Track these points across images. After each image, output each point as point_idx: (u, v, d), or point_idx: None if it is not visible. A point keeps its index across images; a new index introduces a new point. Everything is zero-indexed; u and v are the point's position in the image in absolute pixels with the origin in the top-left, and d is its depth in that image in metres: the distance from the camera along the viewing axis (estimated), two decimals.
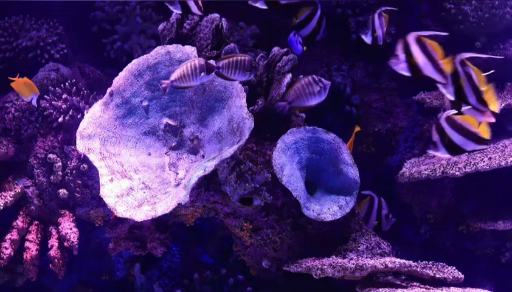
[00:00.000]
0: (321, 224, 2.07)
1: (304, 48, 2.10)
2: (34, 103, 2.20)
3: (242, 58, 1.80)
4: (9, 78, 2.19)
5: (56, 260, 2.24)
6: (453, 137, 1.64)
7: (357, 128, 2.33)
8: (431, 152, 1.73)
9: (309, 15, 1.95)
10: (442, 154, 1.69)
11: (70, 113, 2.33)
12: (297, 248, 2.09)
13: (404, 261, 1.88)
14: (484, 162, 2.14)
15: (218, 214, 2.13)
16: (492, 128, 1.85)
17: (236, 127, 1.97)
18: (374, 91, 2.75)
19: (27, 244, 2.28)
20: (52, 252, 2.24)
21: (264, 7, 1.92)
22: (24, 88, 2.19)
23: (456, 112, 1.66)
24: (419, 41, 1.63)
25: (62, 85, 2.40)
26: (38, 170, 2.34)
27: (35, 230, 2.32)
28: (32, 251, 2.26)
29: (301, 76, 2.00)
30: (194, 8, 1.90)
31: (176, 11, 1.94)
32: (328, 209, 2.03)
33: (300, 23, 1.94)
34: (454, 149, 1.66)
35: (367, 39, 1.95)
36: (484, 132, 1.64)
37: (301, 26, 1.98)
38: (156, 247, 2.27)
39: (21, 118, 2.36)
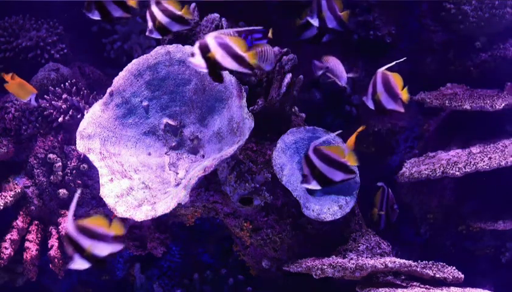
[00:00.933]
0: (321, 224, 2.07)
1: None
2: (33, 102, 2.18)
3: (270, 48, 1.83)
4: (3, 74, 2.15)
5: (56, 260, 2.24)
6: (323, 168, 1.65)
7: (362, 127, 2.32)
8: (304, 186, 1.76)
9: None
10: (314, 187, 1.70)
11: (70, 113, 2.33)
12: (297, 248, 2.09)
13: (404, 261, 1.88)
14: (484, 162, 2.14)
15: (218, 214, 2.13)
16: (492, 128, 1.86)
17: (236, 127, 1.97)
18: None
19: (27, 244, 2.28)
20: (52, 252, 2.24)
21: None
22: (20, 90, 2.16)
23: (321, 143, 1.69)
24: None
25: (62, 85, 2.39)
26: (38, 170, 2.34)
27: (35, 230, 2.32)
28: (32, 251, 2.26)
29: None
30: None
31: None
32: (328, 209, 2.03)
33: (305, 24, 1.92)
34: (325, 181, 1.67)
35: (314, 21, 1.93)
36: (352, 161, 1.65)
37: (305, 27, 1.96)
38: (156, 247, 2.27)
39: (21, 118, 2.36)
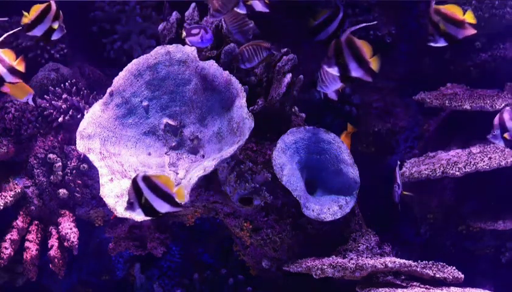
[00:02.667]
0: (321, 224, 2.07)
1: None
2: (30, 102, 2.17)
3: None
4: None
5: (56, 260, 2.24)
6: (150, 198, 1.61)
7: (351, 129, 2.31)
8: (127, 212, 1.72)
9: (329, 17, 1.90)
10: (138, 216, 1.66)
11: (70, 113, 2.33)
12: (297, 248, 2.09)
13: (404, 261, 1.88)
14: (484, 162, 2.14)
15: (218, 214, 2.13)
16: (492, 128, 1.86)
17: (236, 127, 1.97)
18: (374, 91, 2.75)
19: (27, 244, 2.28)
20: (52, 252, 2.24)
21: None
22: (17, 90, 2.15)
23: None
24: None
25: (62, 85, 2.40)
26: (38, 170, 2.34)
27: (35, 230, 2.32)
28: (32, 251, 2.26)
29: None
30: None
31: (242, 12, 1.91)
32: (328, 209, 2.03)
33: (318, 25, 1.89)
34: (150, 211, 1.63)
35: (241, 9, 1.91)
36: (180, 196, 1.63)
37: (319, 29, 1.93)
38: (156, 247, 2.27)
39: (21, 118, 2.36)
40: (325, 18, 1.87)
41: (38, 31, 1.79)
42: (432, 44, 1.73)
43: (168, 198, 1.61)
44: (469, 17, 1.72)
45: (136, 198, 1.61)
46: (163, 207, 1.62)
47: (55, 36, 1.81)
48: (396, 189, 2.06)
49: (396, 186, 2.06)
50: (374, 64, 1.65)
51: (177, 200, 1.62)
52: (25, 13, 1.76)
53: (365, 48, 1.66)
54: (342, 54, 1.67)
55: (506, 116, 1.80)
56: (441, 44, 1.73)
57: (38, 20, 1.78)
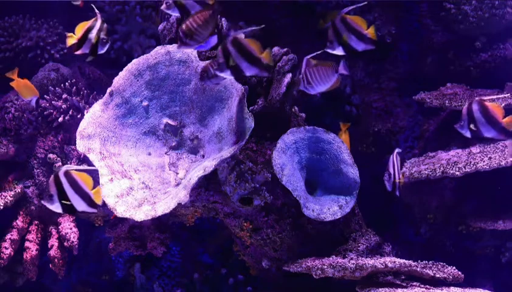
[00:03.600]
0: (321, 224, 2.07)
1: None
2: (33, 103, 2.18)
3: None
4: (6, 74, 2.15)
5: (56, 260, 2.24)
6: (70, 193, 1.63)
7: (344, 126, 2.30)
8: (46, 203, 1.69)
9: None
10: (56, 209, 1.66)
11: (70, 113, 2.33)
12: (297, 248, 2.09)
13: (404, 261, 1.88)
14: (484, 162, 2.14)
15: (218, 214, 2.13)
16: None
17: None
18: (374, 91, 2.75)
19: (27, 244, 2.28)
20: (52, 252, 2.24)
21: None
22: (24, 89, 2.17)
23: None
24: None
25: (62, 85, 2.40)
26: (38, 170, 2.34)
27: (35, 230, 2.32)
28: (32, 251, 2.26)
29: None
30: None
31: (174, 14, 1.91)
32: (328, 209, 2.03)
33: (329, 27, 1.91)
34: (67, 207, 1.65)
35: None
36: (97, 197, 1.65)
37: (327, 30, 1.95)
38: (156, 247, 2.27)
39: (21, 118, 2.36)
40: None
41: (85, 48, 1.82)
42: (329, 51, 1.79)
43: (86, 197, 1.63)
44: (371, 32, 1.76)
45: (57, 192, 1.62)
46: (80, 205, 1.64)
47: (100, 50, 1.84)
48: (386, 178, 2.02)
49: (387, 175, 2.02)
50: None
51: (95, 201, 1.64)
52: (70, 34, 1.81)
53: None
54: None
55: (474, 107, 1.79)
56: (339, 52, 1.78)
57: (84, 39, 1.81)
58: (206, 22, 1.66)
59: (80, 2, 1.90)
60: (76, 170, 1.66)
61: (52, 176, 1.63)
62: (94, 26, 1.83)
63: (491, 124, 1.79)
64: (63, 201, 1.63)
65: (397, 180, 2.02)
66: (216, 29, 2.18)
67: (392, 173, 2.02)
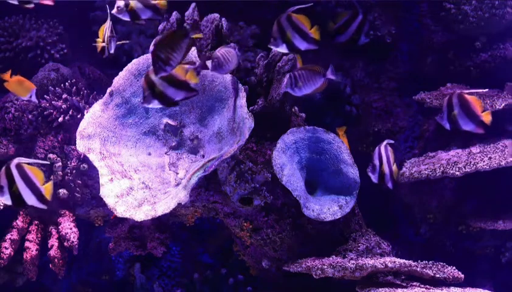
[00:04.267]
0: (321, 223, 2.07)
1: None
2: (34, 99, 2.15)
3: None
4: (0, 75, 2.14)
5: (56, 260, 2.24)
6: (21, 187, 1.62)
7: (340, 130, 2.29)
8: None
9: (349, 20, 1.92)
10: (6, 201, 1.65)
11: (70, 113, 2.33)
12: (297, 248, 2.09)
13: (404, 261, 1.88)
14: (484, 162, 2.14)
15: (218, 214, 2.13)
16: (492, 128, 1.86)
17: (236, 127, 1.97)
18: (374, 91, 2.75)
19: (27, 244, 2.28)
20: (52, 252, 2.24)
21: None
22: (19, 87, 2.13)
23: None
24: None
25: (62, 85, 2.39)
26: None
27: (35, 230, 2.32)
28: (32, 251, 2.26)
29: None
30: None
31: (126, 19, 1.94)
32: (328, 209, 2.03)
33: (339, 28, 1.92)
34: (17, 200, 1.63)
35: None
36: (48, 192, 1.64)
37: (339, 31, 1.95)
38: (156, 247, 2.27)
39: (21, 118, 2.36)
40: (345, 21, 1.90)
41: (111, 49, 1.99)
42: (272, 47, 1.80)
43: (37, 191, 1.61)
44: (315, 32, 1.77)
45: (7, 184, 1.60)
46: (30, 199, 1.62)
47: (112, 48, 1.99)
48: (370, 170, 1.96)
49: (370, 167, 1.96)
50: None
51: (45, 196, 1.63)
52: (98, 40, 2.00)
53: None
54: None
55: (454, 100, 1.81)
56: (282, 49, 1.79)
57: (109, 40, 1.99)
58: (180, 46, 1.66)
59: (31, 4, 1.92)
60: (27, 163, 1.63)
61: (4, 167, 1.60)
62: (107, 26, 1.97)
63: (469, 117, 1.81)
64: (13, 192, 1.60)
65: (384, 171, 1.95)
66: (216, 29, 2.18)
67: (377, 164, 1.95)
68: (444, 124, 1.86)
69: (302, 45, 1.78)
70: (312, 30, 1.77)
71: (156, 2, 1.84)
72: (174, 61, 1.64)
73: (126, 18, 1.87)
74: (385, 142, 1.97)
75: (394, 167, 1.96)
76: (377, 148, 1.96)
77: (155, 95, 1.69)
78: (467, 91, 1.83)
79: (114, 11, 1.85)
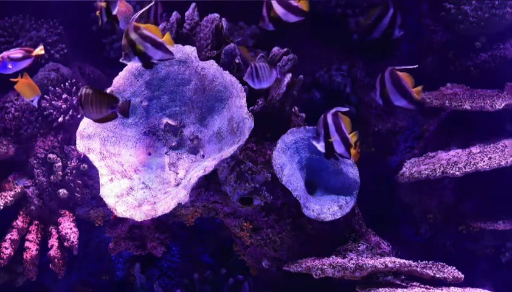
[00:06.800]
0: (322, 223, 2.07)
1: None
2: (35, 103, 2.18)
3: None
4: (11, 79, 2.16)
5: (56, 260, 2.24)
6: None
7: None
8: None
9: (380, 15, 1.91)
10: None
11: (70, 113, 2.33)
12: (297, 248, 2.09)
13: (404, 261, 1.88)
14: (484, 162, 2.14)
15: (218, 214, 2.13)
16: (492, 128, 1.86)
17: (236, 127, 1.97)
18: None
19: (27, 244, 2.28)
20: (52, 252, 2.24)
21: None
22: (27, 89, 2.16)
23: None
24: None
25: (62, 85, 2.40)
26: (38, 170, 2.34)
27: (35, 230, 2.32)
28: (32, 251, 2.26)
29: None
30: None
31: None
32: (328, 209, 2.03)
33: (372, 24, 1.91)
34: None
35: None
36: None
37: (373, 27, 1.94)
38: (156, 247, 2.27)
39: (21, 118, 2.36)
40: (376, 16, 1.89)
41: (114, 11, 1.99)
42: (125, 62, 1.80)
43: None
44: (168, 39, 1.77)
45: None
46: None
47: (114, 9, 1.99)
48: (313, 139, 1.89)
49: (313, 135, 1.89)
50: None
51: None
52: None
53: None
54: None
55: (386, 76, 1.82)
56: (135, 62, 1.79)
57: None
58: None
59: None
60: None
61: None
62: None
63: (400, 93, 1.83)
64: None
65: (332, 139, 1.88)
66: (216, 29, 2.18)
67: (322, 132, 1.89)
68: (378, 100, 1.87)
69: (156, 55, 1.76)
70: (165, 38, 1.76)
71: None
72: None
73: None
74: (333, 111, 1.92)
75: (350, 135, 1.90)
76: (322, 115, 1.92)
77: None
78: (399, 68, 1.83)
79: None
